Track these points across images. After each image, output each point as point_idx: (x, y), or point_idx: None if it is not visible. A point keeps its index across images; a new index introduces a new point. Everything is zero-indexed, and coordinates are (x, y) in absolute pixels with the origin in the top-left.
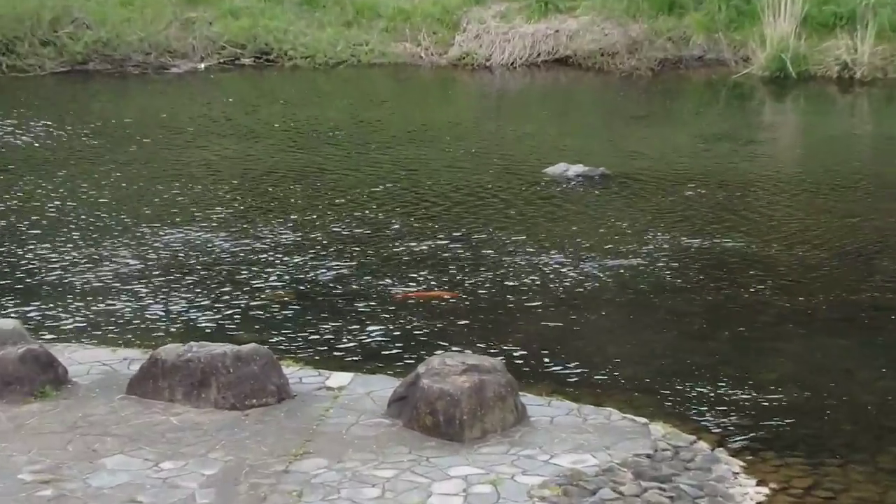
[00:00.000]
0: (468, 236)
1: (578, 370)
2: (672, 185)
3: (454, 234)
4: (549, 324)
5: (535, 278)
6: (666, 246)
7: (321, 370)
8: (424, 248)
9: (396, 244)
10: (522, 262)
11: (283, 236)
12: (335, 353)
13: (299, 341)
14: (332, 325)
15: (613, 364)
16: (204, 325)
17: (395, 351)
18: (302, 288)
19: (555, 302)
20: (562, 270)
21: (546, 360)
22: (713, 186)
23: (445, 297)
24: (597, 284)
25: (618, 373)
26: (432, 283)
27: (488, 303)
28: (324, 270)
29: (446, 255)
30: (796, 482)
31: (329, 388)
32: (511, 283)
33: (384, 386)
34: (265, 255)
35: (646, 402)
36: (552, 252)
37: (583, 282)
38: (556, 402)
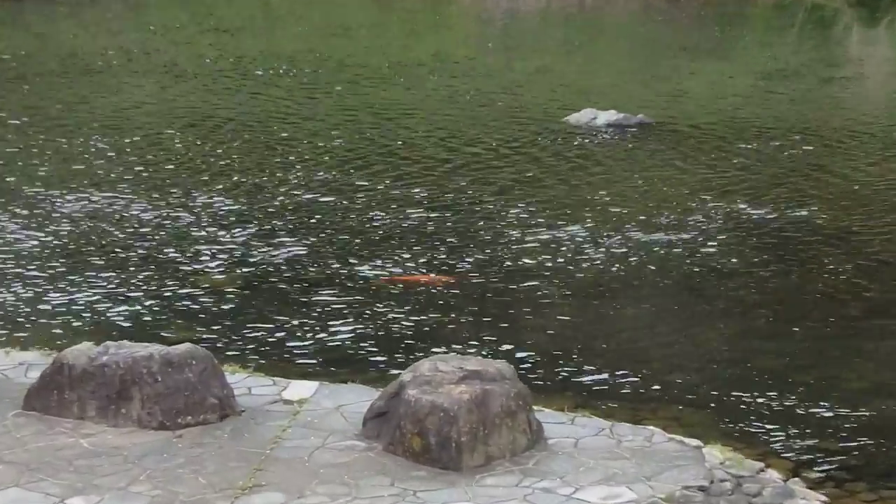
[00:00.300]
0: (467, 204)
1: (610, 378)
2: (730, 138)
3: (449, 201)
4: (572, 318)
5: (554, 259)
6: (721, 216)
7: (276, 378)
8: (411, 220)
9: (373, 215)
10: (537, 239)
11: (224, 205)
12: (294, 357)
13: (248, 341)
14: (291, 320)
15: (655, 370)
16: (122, 319)
17: (371, 353)
18: (249, 272)
19: (579, 289)
20: (587, 248)
21: (568, 364)
22: (783, 140)
23: (438, 282)
24: (633, 267)
25: (661, 381)
26: (421, 265)
27: (493, 290)
28: (278, 249)
29: (439, 228)
30: None
31: (287, 402)
32: (523, 266)
33: (358, 398)
34: (200, 230)
35: (698, 418)
36: (576, 225)
37: (615, 263)
38: (582, 418)
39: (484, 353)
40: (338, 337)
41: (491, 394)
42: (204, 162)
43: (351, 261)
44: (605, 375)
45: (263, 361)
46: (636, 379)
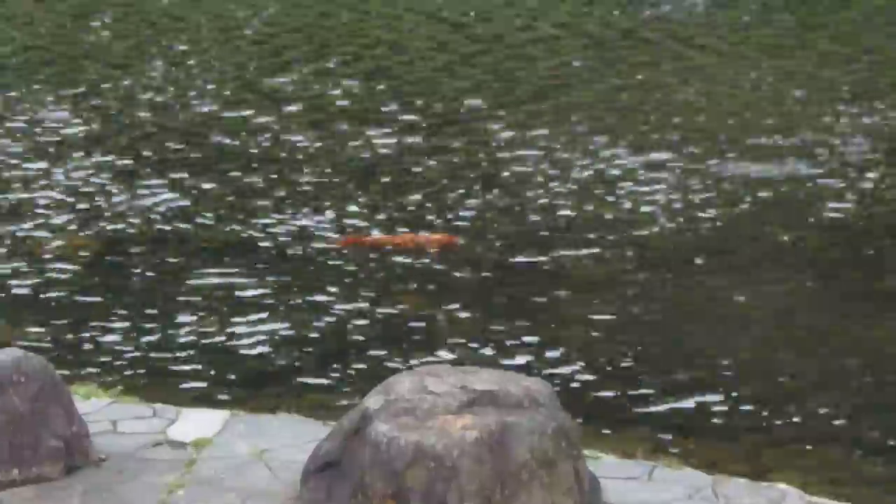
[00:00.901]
0: (471, 122)
1: (708, 403)
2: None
3: (441, 117)
4: (644, 304)
5: (611, 208)
6: (883, 135)
7: (157, 405)
8: (381, 146)
9: (315, 139)
10: (583, 174)
11: (69, 125)
12: (187, 370)
13: (110, 344)
14: (180, 310)
15: (782, 389)
16: None
17: (315, 363)
18: (110, 232)
19: (653, 257)
20: (664, 191)
21: (640, 380)
22: None
23: (428, 245)
24: (738, 220)
25: (793, 408)
26: (399, 219)
27: (515, 259)
28: (155, 195)
29: (427, 161)
30: None
31: (176, 444)
32: (561, 219)
33: (294, 438)
34: (29, 166)
35: (856, 469)
36: (644, 152)
37: (709, 214)
38: (666, 470)
39: (502, 361)
40: (258, 337)
41: (514, 430)
42: (37, 54)
43: (277, 215)
44: (701, 399)
45: (137, 378)
46: (752, 404)
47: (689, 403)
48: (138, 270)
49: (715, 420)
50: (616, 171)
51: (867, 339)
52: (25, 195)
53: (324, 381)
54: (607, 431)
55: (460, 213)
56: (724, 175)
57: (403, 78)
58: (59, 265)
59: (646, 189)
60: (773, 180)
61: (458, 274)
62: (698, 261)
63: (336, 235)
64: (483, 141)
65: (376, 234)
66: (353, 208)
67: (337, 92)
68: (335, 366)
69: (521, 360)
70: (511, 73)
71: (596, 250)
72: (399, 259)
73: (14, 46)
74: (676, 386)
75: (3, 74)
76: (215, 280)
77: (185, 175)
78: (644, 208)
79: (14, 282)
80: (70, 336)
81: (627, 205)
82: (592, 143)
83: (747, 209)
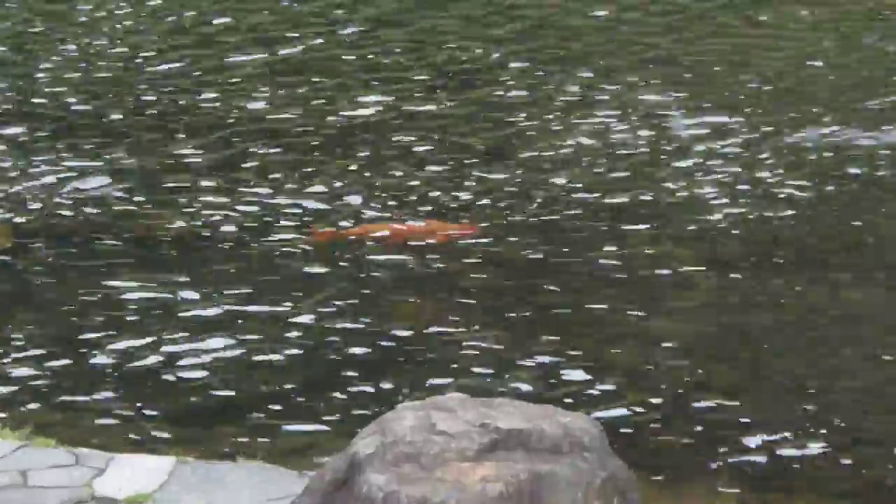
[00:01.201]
0: (497, 81)
1: (805, 445)
2: None
3: (453, 66)
4: (714, 314)
5: (669, 187)
6: None
7: (81, 449)
8: (371, 111)
9: (294, 99)
10: (632, 148)
11: None
12: (120, 403)
13: (20, 371)
14: (112, 323)
15: None
16: None
17: (288, 392)
18: (26, 221)
19: (725, 254)
20: (734, 169)
21: (712, 416)
22: None
23: (439, 236)
24: (832, 203)
25: None
26: (400, 202)
27: (548, 254)
28: (86, 177)
29: (436, 126)
30: None
31: (105, 501)
32: (605, 206)
33: (259, 492)
34: None
35: None
36: (710, 116)
37: (793, 192)
38: None
39: (533, 390)
40: (211, 361)
41: (550, 482)
42: None
43: (233, 199)
44: (794, 440)
45: (54, 414)
46: (860, 448)
47: (779, 447)
48: (52, 274)
49: (813, 469)
50: (676, 144)
51: None
52: None
53: (298, 418)
54: (672, 483)
55: (475, 198)
56: (816, 146)
57: (414, 24)
58: None
59: (715, 165)
60: (880, 152)
61: (472, 276)
62: (784, 258)
63: (318, 226)
64: (507, 105)
65: (363, 224)
66: (333, 191)
67: (321, 41)
68: (313, 398)
69: (558, 389)
70: (555, 22)
71: (651, 246)
72: (395, 257)
73: None
74: (762, 424)
75: None
76: (153, 287)
77: (114, 149)
78: (712, 190)
79: None
80: None
81: (691, 186)
82: (647, 108)
83: (848, 189)
